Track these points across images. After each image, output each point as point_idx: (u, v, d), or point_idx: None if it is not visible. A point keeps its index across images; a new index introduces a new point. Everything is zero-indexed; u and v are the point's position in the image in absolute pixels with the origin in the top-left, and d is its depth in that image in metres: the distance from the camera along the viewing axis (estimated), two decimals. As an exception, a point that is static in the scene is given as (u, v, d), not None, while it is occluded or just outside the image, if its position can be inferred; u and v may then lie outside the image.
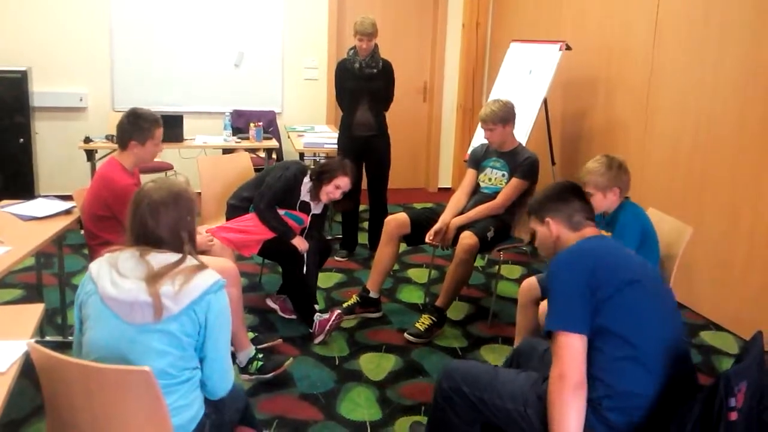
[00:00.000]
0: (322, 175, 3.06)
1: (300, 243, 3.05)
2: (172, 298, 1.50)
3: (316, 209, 3.19)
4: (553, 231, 1.79)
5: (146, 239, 1.58)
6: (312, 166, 3.19)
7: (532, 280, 2.67)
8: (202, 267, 1.58)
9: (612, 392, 1.55)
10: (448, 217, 3.23)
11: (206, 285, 1.54)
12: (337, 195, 3.08)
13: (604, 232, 1.85)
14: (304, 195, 3.13)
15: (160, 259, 1.56)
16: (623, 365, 1.55)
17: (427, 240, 3.22)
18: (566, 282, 1.61)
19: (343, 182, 3.07)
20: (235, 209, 3.15)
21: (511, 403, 1.70)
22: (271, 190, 3.04)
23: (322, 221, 3.33)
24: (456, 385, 1.79)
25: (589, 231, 1.77)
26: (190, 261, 1.58)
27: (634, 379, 1.55)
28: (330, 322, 2.98)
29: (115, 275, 1.53)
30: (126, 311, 1.50)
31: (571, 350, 1.52)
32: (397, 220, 3.28)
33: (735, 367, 1.42)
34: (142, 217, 1.58)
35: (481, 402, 1.74)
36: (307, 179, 3.11)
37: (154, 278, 1.51)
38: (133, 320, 1.50)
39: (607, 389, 1.55)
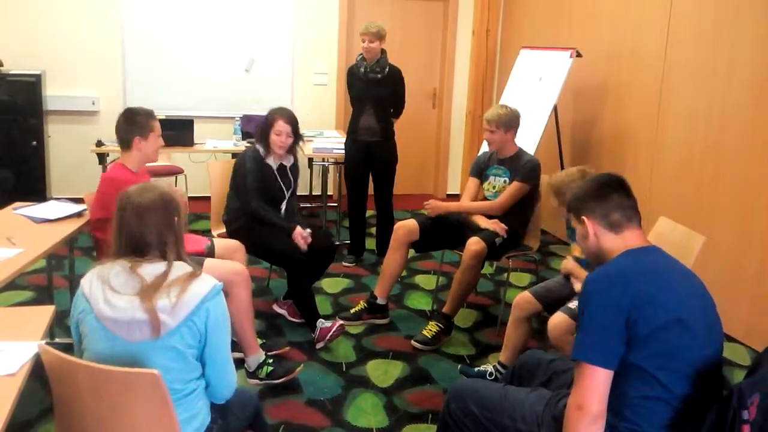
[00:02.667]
0: (263, 134, 3.15)
1: (301, 239, 3.10)
2: (169, 312, 1.47)
3: (287, 162, 3.25)
4: (590, 231, 1.62)
5: (134, 245, 1.54)
6: (256, 144, 3.22)
7: (526, 295, 2.64)
8: (196, 274, 1.55)
9: (637, 429, 1.47)
10: (451, 206, 3.37)
11: (203, 293, 1.51)
12: (284, 140, 3.13)
13: (644, 238, 1.61)
14: (273, 163, 3.19)
15: (151, 270, 1.52)
16: (652, 405, 1.46)
17: (424, 203, 3.36)
18: (600, 311, 1.46)
19: (280, 125, 3.11)
20: (232, 224, 3.18)
21: (523, 425, 1.64)
22: (248, 190, 3.10)
23: (297, 171, 3.36)
24: (465, 406, 1.73)
25: (631, 236, 1.58)
26: (182, 268, 1.55)
27: (662, 420, 1.46)
28: (331, 332, 2.99)
29: (108, 292, 1.49)
30: (123, 330, 1.48)
31: (595, 383, 1.43)
32: (406, 227, 3.28)
33: (748, 380, 1.39)
34: (129, 222, 1.55)
35: (492, 423, 1.68)
36: (263, 152, 3.17)
37: (148, 293, 1.47)
38: (132, 338, 1.48)
39: (630, 425, 1.47)
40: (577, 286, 2.52)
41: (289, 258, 3.08)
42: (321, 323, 3.02)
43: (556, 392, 1.71)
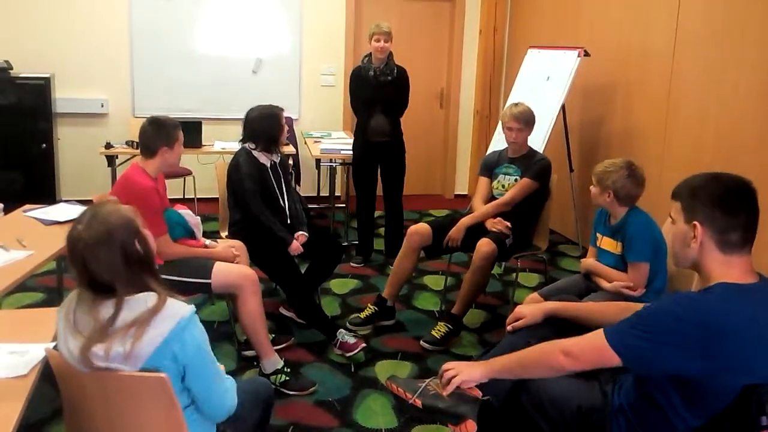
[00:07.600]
0: (274, 133, 3.17)
1: (296, 251, 3.04)
2: (123, 362, 1.36)
3: (276, 158, 3.22)
4: (697, 239, 1.44)
5: (93, 286, 1.40)
6: (246, 144, 3.19)
7: (535, 296, 2.61)
8: (157, 309, 1.38)
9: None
10: (465, 221, 3.25)
11: (165, 333, 1.37)
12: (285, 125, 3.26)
13: (751, 272, 1.47)
14: (265, 161, 3.16)
15: (105, 312, 1.38)
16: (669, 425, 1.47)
17: (445, 244, 3.22)
18: (667, 333, 1.35)
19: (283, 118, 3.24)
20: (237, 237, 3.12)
21: (551, 409, 1.68)
22: (247, 193, 3.05)
23: (286, 164, 3.37)
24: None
25: (738, 263, 1.44)
26: (144, 302, 1.39)
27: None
28: (355, 352, 2.90)
29: (68, 335, 1.41)
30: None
31: (599, 357, 1.45)
32: (420, 233, 3.25)
33: (766, 385, 1.37)
34: (82, 262, 1.38)
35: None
36: (256, 152, 3.14)
37: (90, 342, 1.36)
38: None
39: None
40: (604, 284, 2.49)
41: (286, 280, 3.05)
42: (342, 336, 2.93)
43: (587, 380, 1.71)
